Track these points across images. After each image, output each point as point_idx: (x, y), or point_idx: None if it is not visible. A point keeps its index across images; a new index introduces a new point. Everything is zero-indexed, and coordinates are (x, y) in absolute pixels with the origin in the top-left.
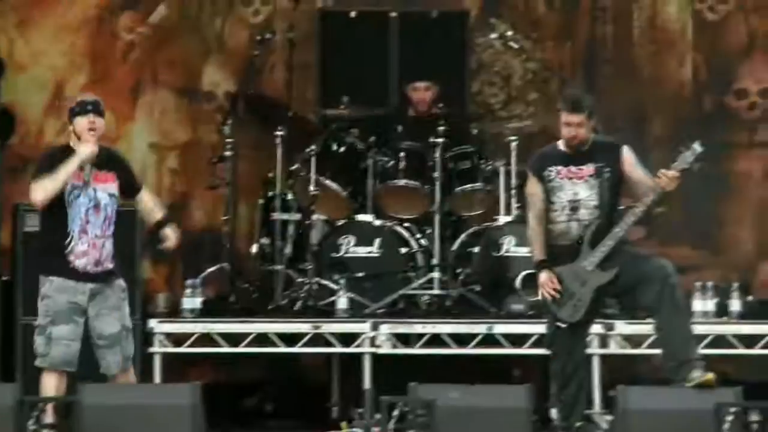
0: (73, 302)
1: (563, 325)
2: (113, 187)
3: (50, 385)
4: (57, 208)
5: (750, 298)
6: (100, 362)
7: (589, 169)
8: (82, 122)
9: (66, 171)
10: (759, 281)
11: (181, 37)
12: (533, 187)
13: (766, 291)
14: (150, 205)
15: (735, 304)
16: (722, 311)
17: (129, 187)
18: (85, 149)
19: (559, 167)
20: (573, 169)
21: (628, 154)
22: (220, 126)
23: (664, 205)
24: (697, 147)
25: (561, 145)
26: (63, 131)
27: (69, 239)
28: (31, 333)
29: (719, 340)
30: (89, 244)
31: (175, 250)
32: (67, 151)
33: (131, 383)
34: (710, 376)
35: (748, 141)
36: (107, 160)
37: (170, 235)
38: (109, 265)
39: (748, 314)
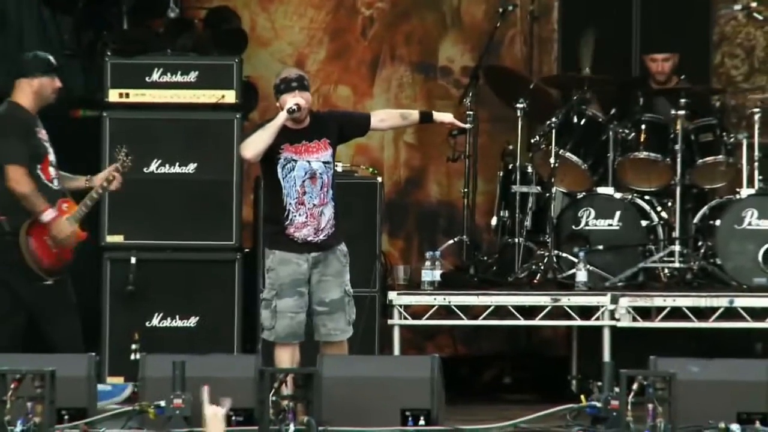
0: (297, 273)
1: None
2: (327, 155)
3: (283, 358)
4: (273, 182)
5: None
6: (319, 329)
7: None
8: (288, 99)
9: (273, 125)
10: None
11: (419, 12)
12: None
13: None
14: (394, 114)
15: None
16: None
17: (359, 129)
18: (291, 100)
19: None
20: None
21: None
22: (459, 100)
23: None
24: None
25: None
26: None
27: (287, 212)
28: None
29: None
30: (307, 215)
31: (411, 223)
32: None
33: (343, 354)
34: None
35: None
36: (317, 128)
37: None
38: (330, 231)
39: None
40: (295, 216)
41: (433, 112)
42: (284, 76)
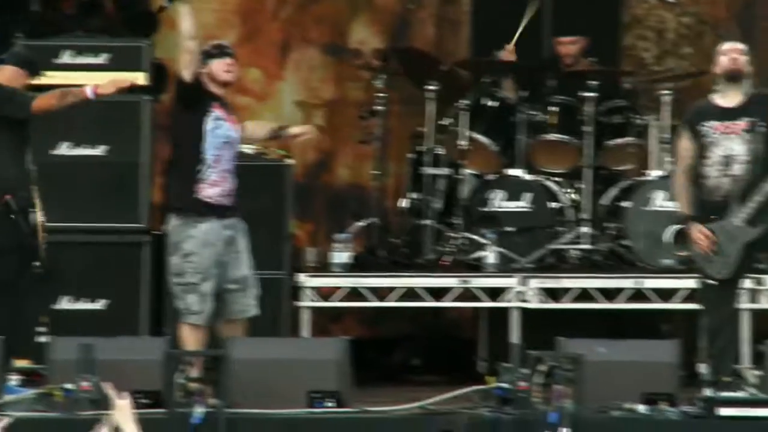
0: (217, 255)
1: (713, 282)
2: (239, 129)
3: (194, 339)
4: (196, 133)
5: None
6: (230, 306)
7: (743, 123)
8: (219, 65)
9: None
10: None
11: None
12: (685, 142)
13: None
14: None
15: None
16: None
17: None
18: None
19: (715, 123)
20: (728, 123)
21: None
22: (369, 82)
23: None
24: None
25: (716, 98)
26: None
27: (204, 165)
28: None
29: None
30: (220, 175)
31: (320, 206)
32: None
33: (252, 337)
34: None
35: None
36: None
37: None
38: (235, 200)
39: None
40: (210, 172)
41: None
42: (218, 42)
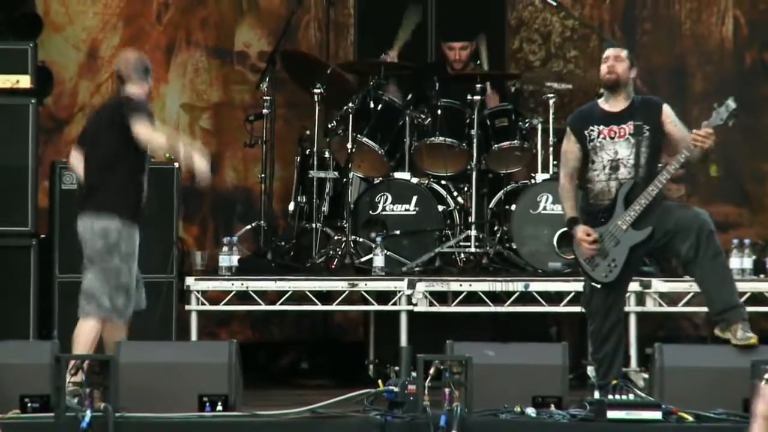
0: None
1: (598, 286)
2: None
3: (119, 337)
4: (140, 151)
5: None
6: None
7: (629, 127)
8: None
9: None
10: None
11: None
12: (570, 146)
13: None
14: None
15: None
16: (760, 268)
17: None
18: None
19: (601, 126)
20: (614, 127)
21: (668, 112)
22: (255, 85)
23: (705, 162)
24: (731, 103)
25: (602, 102)
26: (97, 92)
27: (144, 179)
28: (69, 291)
29: (757, 298)
30: (147, 182)
31: (207, 209)
32: None
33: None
34: (754, 339)
35: None
36: None
37: None
38: None
39: None
40: (145, 179)
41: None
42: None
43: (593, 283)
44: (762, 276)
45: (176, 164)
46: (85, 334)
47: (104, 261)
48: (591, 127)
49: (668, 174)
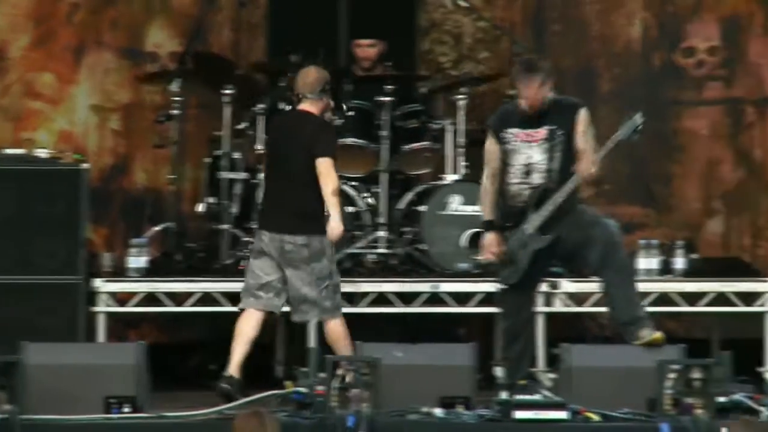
0: None
1: (504, 286)
2: None
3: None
4: None
5: (694, 256)
6: None
7: (543, 131)
8: None
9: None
10: (704, 239)
11: None
12: (491, 146)
13: (710, 249)
14: None
15: (679, 262)
16: (667, 269)
17: None
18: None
19: (516, 130)
20: (529, 131)
21: (582, 118)
22: (166, 86)
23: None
24: (637, 118)
25: (521, 104)
26: (6, 93)
27: None
28: None
29: (663, 298)
30: None
31: (116, 211)
32: None
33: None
34: (658, 335)
35: (695, 99)
36: None
37: None
38: None
39: (692, 272)
40: None
41: None
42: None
43: (499, 284)
44: (668, 276)
45: (84, 165)
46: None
47: (315, 268)
48: (507, 130)
49: (574, 184)
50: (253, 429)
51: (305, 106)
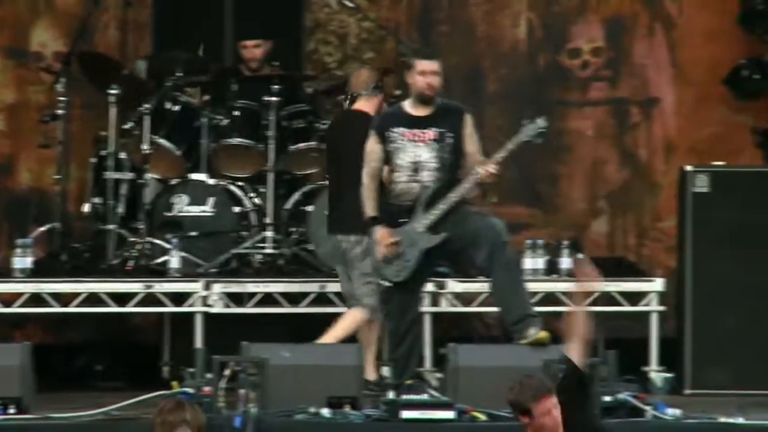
0: None
1: (388, 284)
2: None
3: None
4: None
5: (580, 255)
6: None
7: (431, 133)
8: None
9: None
10: (589, 239)
11: None
12: (373, 146)
13: (596, 249)
14: None
15: (565, 262)
16: (553, 269)
17: None
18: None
19: (403, 129)
20: (417, 131)
21: (467, 122)
22: (50, 86)
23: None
24: (540, 122)
25: (406, 105)
26: None
27: None
28: None
29: (549, 298)
30: None
31: (0, 211)
32: None
33: None
34: (543, 334)
35: (580, 99)
36: None
37: None
38: None
39: None
40: None
41: None
42: None
43: (385, 281)
44: (554, 276)
45: None
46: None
47: (363, 266)
48: (393, 129)
49: (466, 187)
50: (175, 419)
51: (360, 104)
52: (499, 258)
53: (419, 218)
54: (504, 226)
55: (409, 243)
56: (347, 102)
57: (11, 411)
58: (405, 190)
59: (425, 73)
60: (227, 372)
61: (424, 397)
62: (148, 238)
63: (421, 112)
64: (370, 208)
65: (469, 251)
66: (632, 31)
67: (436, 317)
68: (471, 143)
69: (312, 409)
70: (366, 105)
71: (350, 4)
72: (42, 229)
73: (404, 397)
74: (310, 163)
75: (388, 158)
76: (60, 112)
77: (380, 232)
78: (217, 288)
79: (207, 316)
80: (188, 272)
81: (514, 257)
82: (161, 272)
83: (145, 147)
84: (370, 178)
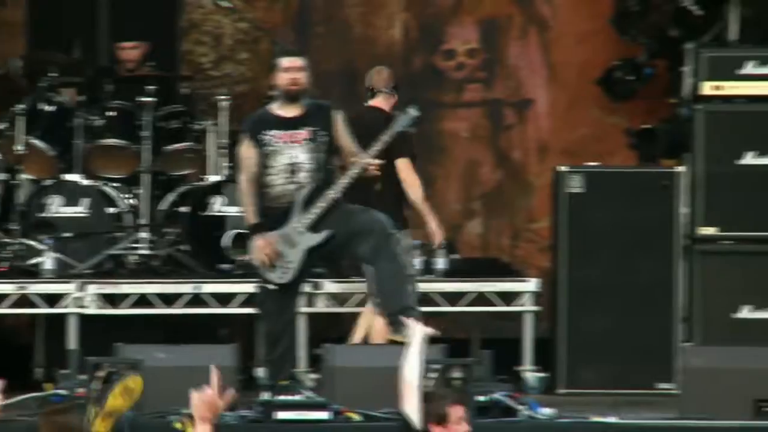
0: None
1: (273, 287)
2: None
3: None
4: None
5: (455, 256)
6: None
7: (304, 132)
8: None
9: None
10: (464, 240)
11: None
12: (247, 151)
13: (470, 249)
14: None
15: (440, 263)
16: (428, 269)
17: None
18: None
19: (276, 131)
20: (290, 133)
21: (338, 119)
22: None
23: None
24: (412, 111)
25: (275, 107)
26: None
27: None
28: None
29: (424, 298)
30: None
31: None
32: None
33: None
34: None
35: (455, 101)
36: None
37: None
38: None
39: (453, 272)
40: None
41: None
42: None
43: (268, 285)
44: (429, 276)
45: None
46: None
47: None
48: (266, 132)
49: (345, 182)
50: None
51: (377, 101)
52: (385, 249)
53: (299, 218)
54: (388, 220)
55: (291, 244)
56: (367, 97)
57: None
58: (282, 193)
59: (289, 69)
60: (101, 374)
61: (299, 397)
62: (22, 239)
63: (291, 112)
64: (251, 215)
65: (353, 244)
66: (506, 33)
67: (312, 317)
68: (344, 138)
69: (186, 411)
70: (384, 103)
71: (226, 5)
72: None
73: (279, 397)
74: (186, 163)
75: (263, 162)
76: None
77: (258, 240)
78: (92, 289)
79: (81, 317)
80: (62, 273)
81: (401, 250)
82: (34, 273)
83: (19, 147)
84: (249, 184)
